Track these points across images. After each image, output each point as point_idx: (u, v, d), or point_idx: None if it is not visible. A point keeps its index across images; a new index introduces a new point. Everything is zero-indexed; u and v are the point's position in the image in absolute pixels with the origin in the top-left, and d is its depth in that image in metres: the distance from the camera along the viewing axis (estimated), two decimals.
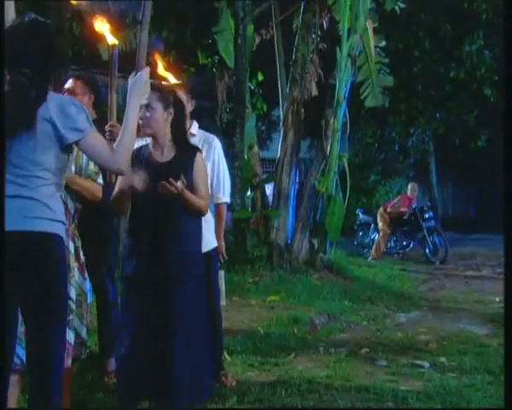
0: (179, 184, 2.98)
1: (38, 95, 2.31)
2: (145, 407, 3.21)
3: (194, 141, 3.62)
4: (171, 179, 2.96)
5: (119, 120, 2.76)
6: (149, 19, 2.90)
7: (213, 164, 3.86)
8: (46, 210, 2.32)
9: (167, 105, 3.13)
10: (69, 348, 3.08)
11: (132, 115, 2.52)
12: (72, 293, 3.15)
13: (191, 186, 3.12)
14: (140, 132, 4.79)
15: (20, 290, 2.32)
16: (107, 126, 3.11)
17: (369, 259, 10.61)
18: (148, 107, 3.09)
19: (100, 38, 3.03)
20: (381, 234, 10.91)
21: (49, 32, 2.46)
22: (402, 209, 11.00)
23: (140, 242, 3.10)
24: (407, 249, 11.16)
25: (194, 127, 3.91)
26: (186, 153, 3.19)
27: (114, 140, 3.21)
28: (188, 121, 3.76)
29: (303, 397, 3.74)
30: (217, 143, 3.94)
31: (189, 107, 3.88)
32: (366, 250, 11.17)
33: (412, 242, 11.10)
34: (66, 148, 2.37)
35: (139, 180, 3.00)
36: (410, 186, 11.71)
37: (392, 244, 11.18)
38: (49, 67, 2.41)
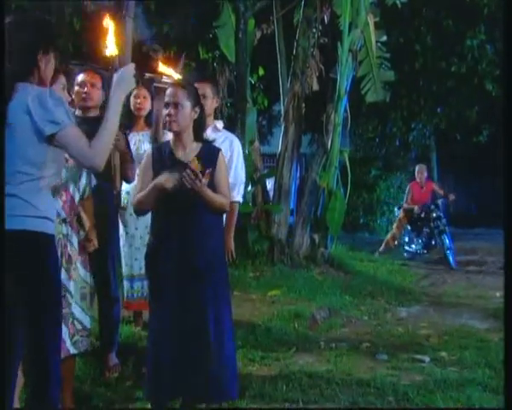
0: (204, 180, 3.01)
1: (8, 85, 2.27)
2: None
3: (217, 137, 3.66)
4: (197, 172, 2.97)
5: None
6: (133, 14, 2.89)
7: (232, 163, 3.92)
8: (28, 207, 2.28)
9: (195, 104, 3.19)
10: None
11: (114, 112, 2.45)
12: (72, 286, 3.14)
13: (214, 184, 3.15)
14: (141, 126, 4.82)
15: (9, 292, 2.27)
16: None
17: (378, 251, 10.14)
18: (176, 104, 3.12)
19: (100, 33, 3.04)
20: (389, 235, 10.42)
21: (20, 26, 2.39)
22: (415, 207, 10.04)
23: (168, 240, 3.10)
24: (430, 248, 10.15)
25: (219, 123, 4.01)
26: (209, 152, 3.22)
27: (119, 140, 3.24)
28: (211, 118, 3.83)
29: (304, 392, 3.75)
30: (237, 144, 4.03)
31: (214, 103, 3.95)
32: (408, 252, 10.02)
33: (433, 239, 10.04)
34: (47, 140, 2.31)
35: (169, 180, 2.99)
36: (416, 168, 10.46)
37: (414, 247, 10.17)
38: (19, 61, 2.35)
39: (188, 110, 3.14)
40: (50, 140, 2.31)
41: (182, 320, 3.07)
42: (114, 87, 2.50)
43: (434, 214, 9.76)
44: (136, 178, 3.20)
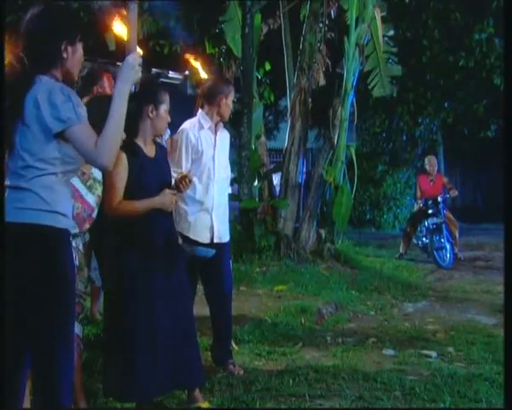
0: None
1: (25, 80, 2.22)
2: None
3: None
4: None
5: None
6: None
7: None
8: (38, 201, 2.21)
9: None
10: (79, 342, 3.08)
11: (118, 104, 2.26)
12: (81, 286, 3.11)
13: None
14: None
15: (14, 288, 2.21)
16: None
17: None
18: None
19: (106, 28, 3.00)
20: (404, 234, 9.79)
21: (41, 14, 2.30)
22: (419, 201, 9.52)
23: (154, 236, 3.10)
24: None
25: None
26: (161, 149, 3.34)
27: None
28: None
29: (310, 386, 3.75)
30: None
31: None
32: (437, 253, 8.90)
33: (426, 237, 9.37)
34: (56, 137, 2.22)
35: (168, 203, 3.12)
36: (426, 160, 9.77)
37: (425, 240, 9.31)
38: (40, 50, 2.26)
39: None
40: (60, 137, 2.23)
41: (173, 312, 3.15)
42: (118, 77, 2.32)
43: (430, 211, 9.15)
44: (112, 178, 3.05)
